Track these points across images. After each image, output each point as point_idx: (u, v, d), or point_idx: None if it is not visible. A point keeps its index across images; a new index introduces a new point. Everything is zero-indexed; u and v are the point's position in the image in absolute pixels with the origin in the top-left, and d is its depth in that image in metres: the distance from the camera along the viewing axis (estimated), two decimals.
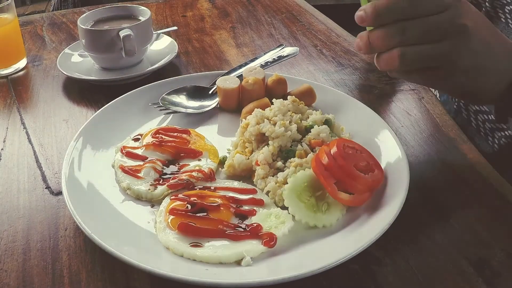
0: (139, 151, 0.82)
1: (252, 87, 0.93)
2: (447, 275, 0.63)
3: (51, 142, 0.92)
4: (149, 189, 0.75)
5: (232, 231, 0.67)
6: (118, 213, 0.72)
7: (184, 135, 0.86)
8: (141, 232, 0.69)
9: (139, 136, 0.87)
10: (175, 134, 0.86)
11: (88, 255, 0.67)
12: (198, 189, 0.75)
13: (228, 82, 0.96)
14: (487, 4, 0.96)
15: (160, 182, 0.77)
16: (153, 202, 0.75)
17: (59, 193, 0.78)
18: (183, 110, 0.95)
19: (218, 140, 0.89)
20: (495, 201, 0.75)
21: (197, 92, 0.99)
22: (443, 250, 0.67)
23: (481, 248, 0.67)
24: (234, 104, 0.96)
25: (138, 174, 0.78)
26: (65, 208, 0.74)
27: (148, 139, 0.84)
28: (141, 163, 0.80)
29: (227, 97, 0.96)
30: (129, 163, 0.80)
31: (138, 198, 0.75)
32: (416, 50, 0.67)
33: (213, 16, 1.48)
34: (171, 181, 0.76)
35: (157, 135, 0.85)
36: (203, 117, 0.95)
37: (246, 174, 0.80)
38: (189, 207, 0.70)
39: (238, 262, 0.64)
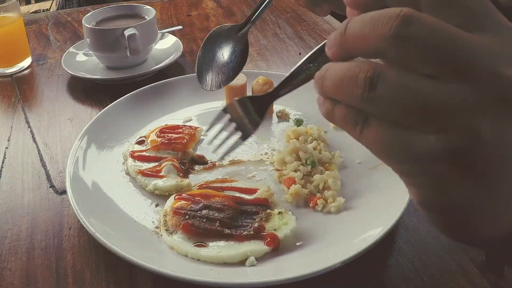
0: (151, 153, 0.82)
1: (262, 88, 0.92)
2: (451, 276, 0.63)
3: (56, 141, 0.92)
4: (178, 181, 0.76)
5: (236, 231, 0.67)
6: (123, 212, 0.72)
7: (190, 130, 0.87)
8: (145, 231, 0.69)
9: (143, 138, 0.86)
10: (181, 129, 0.87)
11: (92, 254, 0.67)
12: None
13: (235, 79, 0.95)
14: None
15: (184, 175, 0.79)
16: (183, 191, 0.75)
17: (64, 192, 0.78)
18: None
19: None
20: None
21: None
22: (448, 251, 0.66)
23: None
24: None
25: (161, 174, 0.78)
26: (69, 207, 0.74)
27: (155, 139, 0.84)
28: (156, 163, 0.80)
29: (234, 95, 0.95)
30: (145, 166, 0.80)
31: (169, 192, 0.75)
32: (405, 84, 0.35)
33: (218, 16, 1.48)
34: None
35: (163, 134, 0.85)
36: (209, 116, 0.95)
37: None
38: (194, 207, 0.70)
39: (242, 262, 0.64)
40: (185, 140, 0.84)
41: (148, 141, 0.85)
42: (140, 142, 0.86)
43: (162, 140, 0.83)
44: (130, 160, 0.81)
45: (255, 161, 0.83)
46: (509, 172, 0.36)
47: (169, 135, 0.85)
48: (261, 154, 0.85)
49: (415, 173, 0.38)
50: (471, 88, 0.34)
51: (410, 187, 0.39)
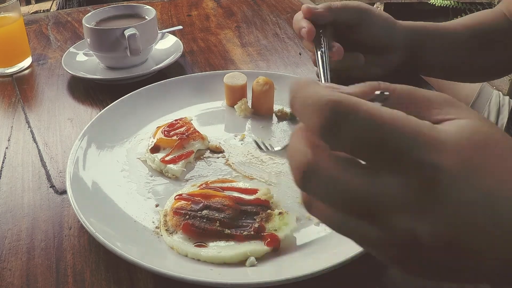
0: (180, 152, 0.83)
1: (262, 88, 0.93)
2: None
3: (56, 141, 0.92)
4: None
5: (236, 231, 0.67)
6: (123, 212, 0.72)
7: (184, 122, 0.89)
8: (146, 231, 0.69)
9: (154, 144, 0.85)
10: (179, 123, 0.88)
11: (92, 254, 0.67)
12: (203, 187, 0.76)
13: (235, 78, 0.96)
14: None
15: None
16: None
17: (64, 192, 0.78)
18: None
19: (226, 138, 0.89)
20: None
21: None
22: None
23: None
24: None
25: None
26: (69, 207, 0.74)
27: (171, 140, 0.84)
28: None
29: (234, 94, 0.96)
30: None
31: None
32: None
33: (218, 16, 1.48)
34: None
35: (174, 132, 0.86)
36: (209, 116, 0.95)
37: None
38: (194, 207, 0.70)
39: (242, 263, 0.63)
40: (196, 130, 0.87)
41: (163, 146, 0.84)
42: (156, 149, 0.84)
43: (181, 137, 0.85)
44: (168, 167, 0.81)
45: (253, 163, 0.83)
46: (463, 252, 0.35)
47: (179, 130, 0.86)
48: (261, 154, 0.84)
49: (376, 254, 0.38)
50: (400, 178, 0.34)
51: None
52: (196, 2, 1.59)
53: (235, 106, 0.95)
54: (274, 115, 0.95)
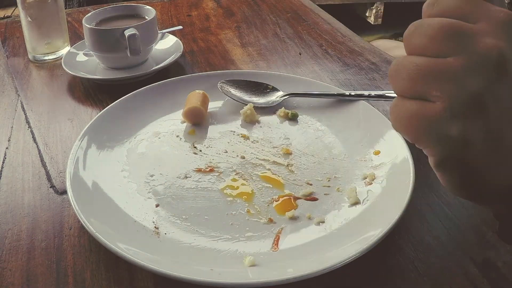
0: None
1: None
2: (452, 276, 0.63)
3: (56, 141, 0.92)
4: None
5: None
6: (123, 212, 0.72)
7: None
8: (145, 231, 0.69)
9: None
10: None
11: (92, 254, 0.67)
12: None
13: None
14: None
15: None
16: None
17: (64, 192, 0.78)
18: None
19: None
20: None
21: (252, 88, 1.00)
22: (448, 251, 0.66)
23: (487, 249, 0.67)
24: None
25: None
26: (69, 207, 0.74)
27: None
28: None
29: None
30: None
31: None
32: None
33: (218, 16, 1.48)
34: None
35: None
36: (209, 116, 0.95)
37: None
38: None
39: (242, 263, 0.64)
40: None
41: None
42: None
43: None
44: None
45: (254, 163, 0.83)
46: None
47: None
48: (262, 154, 0.85)
49: (430, 139, 0.42)
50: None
51: (427, 150, 0.44)
52: (196, 2, 1.59)
53: (240, 111, 0.94)
54: (275, 115, 0.95)
